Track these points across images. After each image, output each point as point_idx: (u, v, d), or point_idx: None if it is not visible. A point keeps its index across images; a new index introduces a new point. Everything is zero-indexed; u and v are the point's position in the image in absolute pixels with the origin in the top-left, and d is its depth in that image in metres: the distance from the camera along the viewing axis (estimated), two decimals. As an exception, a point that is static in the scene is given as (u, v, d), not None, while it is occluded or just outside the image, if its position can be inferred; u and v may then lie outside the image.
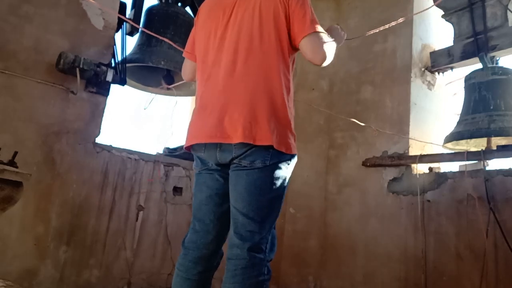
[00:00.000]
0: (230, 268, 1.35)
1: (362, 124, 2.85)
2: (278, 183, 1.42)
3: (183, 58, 1.81)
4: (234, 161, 1.42)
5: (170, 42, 2.27)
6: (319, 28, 1.44)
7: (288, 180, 1.48)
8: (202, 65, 1.59)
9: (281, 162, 1.42)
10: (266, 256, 1.39)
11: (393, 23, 2.11)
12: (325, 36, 1.45)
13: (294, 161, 1.50)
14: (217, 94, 1.47)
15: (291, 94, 1.50)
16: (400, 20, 2.09)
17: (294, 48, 1.52)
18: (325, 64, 1.46)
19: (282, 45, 1.48)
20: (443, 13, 3.25)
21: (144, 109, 3.10)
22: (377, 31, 2.13)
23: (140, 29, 3.20)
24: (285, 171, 1.44)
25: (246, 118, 1.38)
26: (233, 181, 1.44)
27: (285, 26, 1.47)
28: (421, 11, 3.02)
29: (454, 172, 2.86)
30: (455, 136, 2.83)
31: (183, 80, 2.49)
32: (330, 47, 1.46)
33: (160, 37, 2.46)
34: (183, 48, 1.81)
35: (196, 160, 1.58)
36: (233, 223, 1.43)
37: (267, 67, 1.44)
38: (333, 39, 1.52)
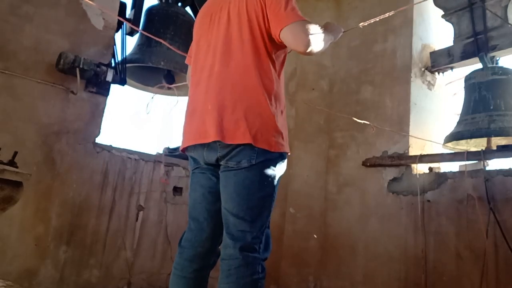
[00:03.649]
0: (224, 268, 1.37)
1: (361, 121, 2.85)
2: (267, 181, 1.43)
3: (183, 58, 1.83)
4: (222, 163, 1.45)
5: (166, 44, 2.29)
6: (300, 17, 1.41)
7: (279, 179, 1.48)
8: (193, 71, 1.64)
9: (268, 160, 1.42)
10: (260, 255, 1.40)
11: (387, 14, 2.09)
12: (307, 23, 1.40)
13: (284, 159, 1.50)
14: (202, 97, 1.51)
15: (275, 93, 1.47)
16: (388, 14, 2.06)
17: (278, 46, 1.50)
18: (311, 50, 1.39)
19: (260, 45, 1.47)
20: (443, 13, 3.25)
21: (147, 113, 3.10)
22: (366, 23, 2.08)
23: (140, 29, 3.20)
24: (273, 170, 1.44)
25: (225, 117, 1.41)
26: (223, 183, 1.46)
27: (263, 25, 1.46)
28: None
29: (454, 172, 2.85)
30: (455, 136, 2.83)
31: (183, 81, 2.50)
32: (314, 33, 1.39)
33: (157, 39, 2.48)
34: (181, 48, 1.84)
35: (190, 160, 1.61)
36: (225, 224, 1.45)
37: (245, 68, 1.45)
38: (322, 28, 1.47)
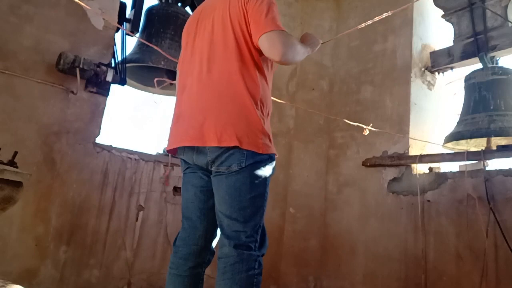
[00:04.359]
0: (221, 267, 1.42)
1: (354, 123, 2.86)
2: (257, 182, 1.47)
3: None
4: (213, 168, 1.49)
5: (158, 49, 2.32)
6: (278, 27, 1.44)
7: (269, 179, 1.52)
8: (180, 76, 1.70)
9: (257, 162, 1.46)
10: (255, 252, 1.44)
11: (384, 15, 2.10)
12: (284, 34, 1.44)
13: (273, 160, 1.53)
14: (189, 103, 1.55)
15: (261, 97, 1.50)
16: (385, 14, 2.07)
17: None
18: (286, 59, 1.43)
19: (244, 50, 1.50)
20: (443, 13, 3.25)
21: (155, 103, 3.09)
22: (369, 23, 2.10)
23: (140, 29, 3.20)
24: (263, 171, 1.48)
25: (212, 122, 1.45)
26: (215, 186, 1.50)
27: (246, 31, 1.50)
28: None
29: (454, 172, 2.85)
30: (455, 136, 2.83)
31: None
32: (290, 44, 1.44)
33: (150, 44, 2.50)
34: (179, 50, 1.86)
35: (181, 162, 1.66)
36: (219, 225, 1.50)
37: (230, 73, 1.48)
38: (298, 40, 1.53)
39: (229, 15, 1.53)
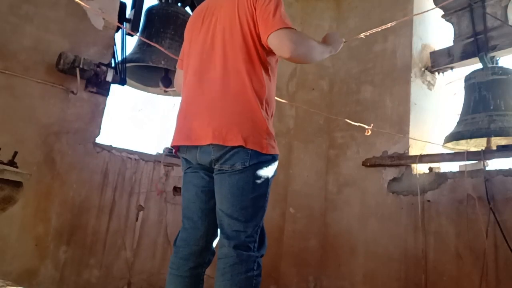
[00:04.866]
0: (220, 267, 1.41)
1: (356, 123, 2.85)
2: (260, 182, 1.46)
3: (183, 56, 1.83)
4: (216, 166, 1.48)
5: (160, 47, 2.33)
6: (286, 25, 1.43)
7: (271, 180, 1.51)
8: (185, 74, 1.68)
9: (261, 162, 1.45)
10: (254, 253, 1.44)
11: (390, 24, 2.11)
12: (294, 31, 1.43)
13: (276, 161, 1.53)
14: (193, 101, 1.54)
15: (266, 97, 1.50)
16: (393, 23, 2.08)
17: (269, 50, 1.52)
18: (297, 56, 1.42)
19: (251, 50, 1.49)
20: (443, 13, 3.25)
21: (139, 110, 3.10)
22: (373, 31, 2.13)
23: (140, 29, 3.20)
24: (266, 171, 1.48)
25: (216, 121, 1.44)
26: (217, 185, 1.50)
27: (254, 30, 1.49)
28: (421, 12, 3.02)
29: (454, 172, 2.85)
30: (455, 136, 2.83)
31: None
32: (300, 40, 1.43)
33: (152, 43, 2.51)
34: (179, 49, 1.85)
35: (182, 161, 1.65)
36: (220, 224, 1.49)
37: (236, 73, 1.48)
38: (310, 37, 1.53)
39: (237, 14, 1.51)
